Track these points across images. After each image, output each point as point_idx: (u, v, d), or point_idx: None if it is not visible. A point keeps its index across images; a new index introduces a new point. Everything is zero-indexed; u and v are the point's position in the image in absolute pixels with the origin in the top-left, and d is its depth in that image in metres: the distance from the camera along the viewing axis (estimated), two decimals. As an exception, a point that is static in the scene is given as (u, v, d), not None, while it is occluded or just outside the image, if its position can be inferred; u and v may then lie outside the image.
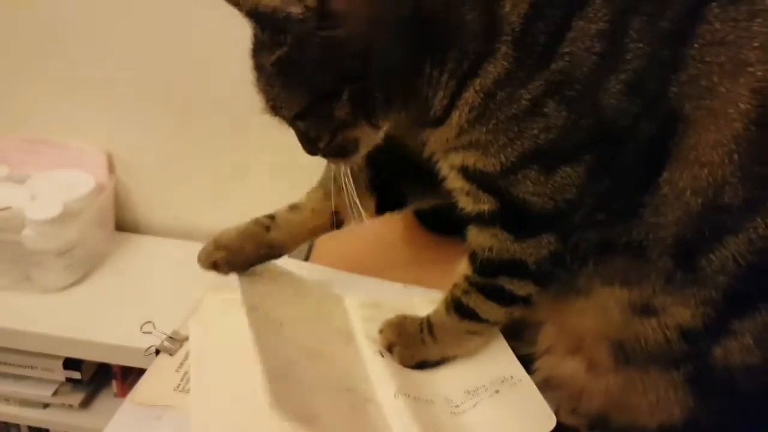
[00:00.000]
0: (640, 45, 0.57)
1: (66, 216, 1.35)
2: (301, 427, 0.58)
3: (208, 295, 0.79)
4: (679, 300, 0.62)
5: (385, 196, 0.81)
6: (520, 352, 0.76)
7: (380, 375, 0.71)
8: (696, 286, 0.61)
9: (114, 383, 1.44)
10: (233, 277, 0.75)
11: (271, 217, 0.79)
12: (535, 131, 0.60)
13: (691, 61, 0.57)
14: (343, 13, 0.57)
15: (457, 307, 0.72)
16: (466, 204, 0.67)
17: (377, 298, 0.84)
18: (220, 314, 0.76)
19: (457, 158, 0.65)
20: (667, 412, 0.66)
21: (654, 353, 0.64)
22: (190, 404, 0.65)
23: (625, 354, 0.66)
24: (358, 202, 0.69)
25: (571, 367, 0.71)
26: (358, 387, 0.69)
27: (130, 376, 1.42)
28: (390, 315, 0.77)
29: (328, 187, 0.77)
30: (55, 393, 1.40)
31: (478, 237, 0.68)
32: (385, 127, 0.65)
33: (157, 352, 0.75)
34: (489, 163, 0.63)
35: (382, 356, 0.73)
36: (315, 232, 0.81)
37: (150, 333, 0.77)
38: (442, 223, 0.95)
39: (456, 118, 0.62)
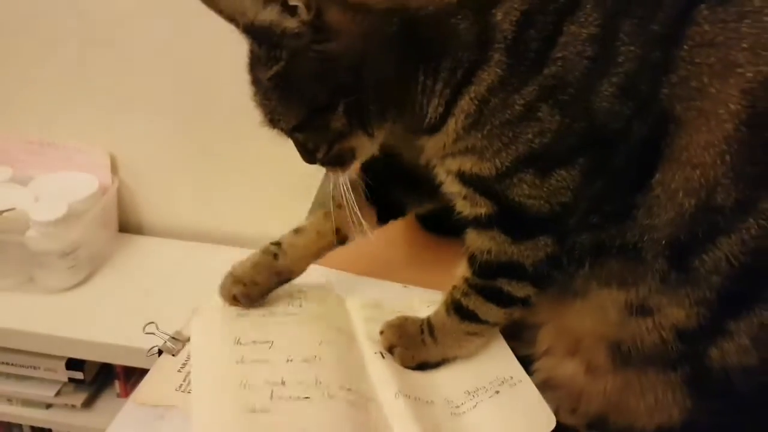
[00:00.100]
0: (632, 48, 0.58)
1: (69, 217, 1.36)
2: None
3: (209, 296, 0.79)
4: (673, 300, 0.62)
5: (384, 206, 0.82)
6: (519, 353, 0.76)
7: (381, 376, 0.71)
8: (690, 287, 0.61)
9: (116, 383, 1.45)
10: (195, 333, 0.76)
11: (278, 244, 0.80)
12: (530, 136, 0.60)
13: (681, 62, 0.58)
14: (336, 26, 0.59)
15: (457, 308, 0.73)
16: (464, 208, 0.68)
17: (378, 299, 0.84)
18: (221, 315, 0.77)
19: (453, 164, 0.66)
20: (665, 413, 0.66)
21: (651, 354, 0.64)
22: (191, 405, 0.66)
23: (622, 355, 0.66)
24: (359, 213, 0.70)
25: (570, 369, 0.71)
26: (359, 387, 0.69)
27: (132, 376, 1.42)
28: (390, 316, 0.77)
29: (327, 206, 0.78)
30: (57, 393, 1.40)
31: (476, 240, 0.68)
32: (381, 136, 0.66)
33: (160, 352, 0.75)
34: (485, 168, 0.63)
35: (383, 357, 0.74)
36: (320, 253, 0.81)
37: (153, 333, 0.77)
38: (442, 224, 0.96)
39: (452, 125, 0.63)
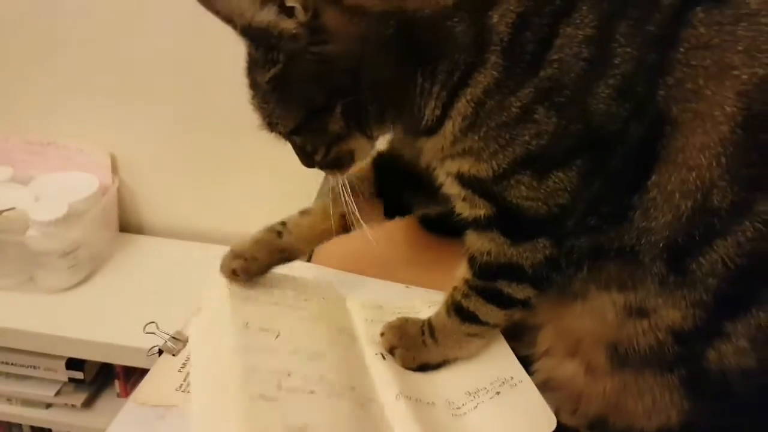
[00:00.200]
0: (628, 49, 0.58)
1: (70, 217, 1.36)
2: None
3: (208, 295, 0.79)
4: (670, 302, 0.62)
5: (392, 202, 0.82)
6: (519, 353, 0.76)
7: (382, 377, 0.71)
8: (686, 289, 0.61)
9: (117, 383, 1.45)
10: (206, 309, 0.76)
11: (283, 223, 0.80)
12: (527, 137, 0.61)
13: (678, 65, 0.58)
14: (333, 28, 0.59)
15: (457, 309, 0.73)
16: (463, 209, 0.68)
17: (379, 300, 0.84)
18: (230, 295, 0.77)
19: (452, 165, 0.66)
20: (664, 414, 0.66)
21: (647, 356, 0.64)
22: (190, 405, 0.66)
23: (619, 357, 0.66)
24: (357, 212, 0.70)
25: (570, 369, 0.71)
26: (362, 387, 0.69)
27: (132, 376, 1.42)
28: (391, 317, 0.77)
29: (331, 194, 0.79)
30: (57, 393, 1.41)
31: (476, 241, 0.69)
32: (379, 138, 0.66)
33: (160, 352, 0.75)
34: (482, 169, 0.63)
35: (384, 359, 0.74)
36: (325, 235, 0.81)
37: (153, 333, 0.77)
38: (443, 225, 0.96)
39: (450, 127, 0.63)
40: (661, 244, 0.61)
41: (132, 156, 1.56)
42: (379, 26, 0.60)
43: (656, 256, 0.61)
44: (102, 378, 1.46)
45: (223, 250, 0.79)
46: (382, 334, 0.76)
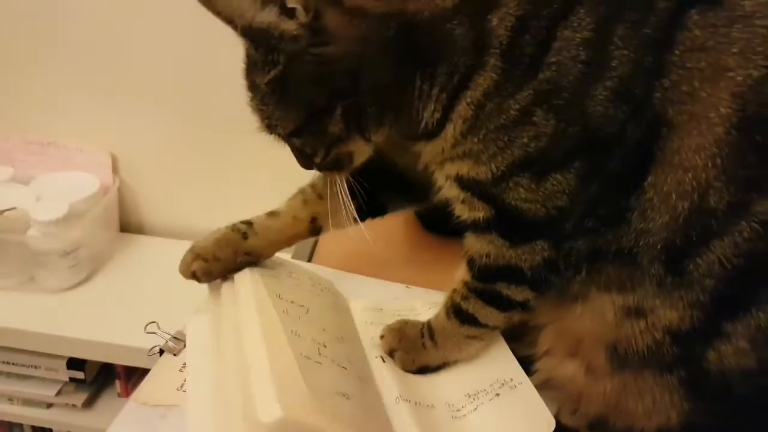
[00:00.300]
0: (625, 52, 0.58)
1: (70, 217, 1.36)
2: (331, 411, 0.57)
3: (207, 295, 0.79)
4: (667, 303, 0.62)
5: (365, 203, 0.81)
6: (520, 353, 0.76)
7: (382, 380, 0.71)
8: (684, 290, 0.61)
9: (117, 383, 1.45)
10: (238, 279, 0.75)
11: (249, 223, 0.78)
12: (525, 140, 0.61)
13: (673, 67, 0.58)
14: (334, 30, 0.59)
15: (456, 312, 0.73)
16: (463, 212, 0.68)
17: (379, 302, 0.84)
18: (219, 314, 0.77)
19: (452, 168, 0.66)
20: (663, 415, 0.66)
21: (646, 356, 0.65)
22: (186, 404, 0.65)
23: (619, 357, 0.67)
24: (354, 213, 0.70)
25: (570, 370, 0.71)
26: (371, 379, 0.70)
27: (133, 376, 1.42)
28: (391, 320, 0.77)
29: (306, 193, 0.79)
30: (58, 393, 1.41)
31: (475, 243, 0.69)
32: (378, 140, 0.66)
33: (161, 352, 0.75)
34: (482, 172, 0.64)
35: (383, 361, 0.74)
36: (293, 239, 0.81)
37: (154, 333, 0.77)
38: (443, 224, 0.96)
39: (450, 130, 0.63)
40: (658, 246, 0.61)
41: (132, 156, 1.56)
42: (379, 28, 0.60)
43: (654, 257, 0.62)
44: (103, 378, 1.46)
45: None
46: (381, 337, 0.76)
